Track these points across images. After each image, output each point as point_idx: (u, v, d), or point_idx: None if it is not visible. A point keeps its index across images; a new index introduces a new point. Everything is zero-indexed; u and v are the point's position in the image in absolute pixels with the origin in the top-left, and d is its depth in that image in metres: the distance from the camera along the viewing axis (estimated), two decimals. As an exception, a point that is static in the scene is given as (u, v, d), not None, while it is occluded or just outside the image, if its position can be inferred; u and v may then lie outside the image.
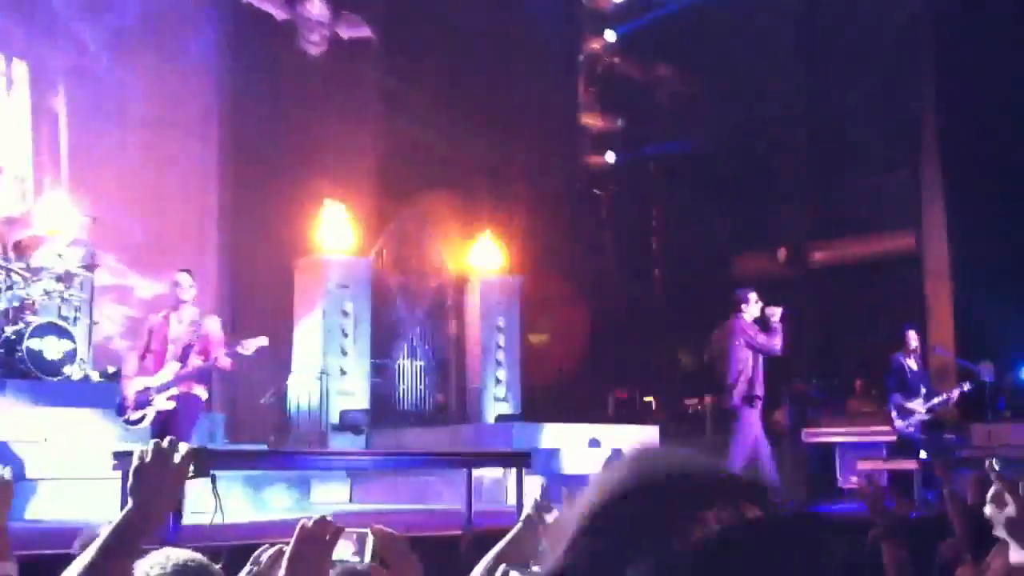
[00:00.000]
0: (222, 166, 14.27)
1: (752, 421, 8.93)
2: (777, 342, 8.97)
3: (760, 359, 9.00)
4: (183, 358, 7.98)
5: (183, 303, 8.16)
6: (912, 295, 13.61)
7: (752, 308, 9.07)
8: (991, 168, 13.09)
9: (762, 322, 9.05)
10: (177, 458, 2.25)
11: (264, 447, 10.52)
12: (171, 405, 7.91)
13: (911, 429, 9.96)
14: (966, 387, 10.35)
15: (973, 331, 12.50)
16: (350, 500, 10.99)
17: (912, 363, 10.22)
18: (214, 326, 8.19)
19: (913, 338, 10.26)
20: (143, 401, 7.87)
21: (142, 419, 7.85)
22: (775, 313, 9.01)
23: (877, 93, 14.39)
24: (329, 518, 2.35)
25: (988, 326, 12.04)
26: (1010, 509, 3.35)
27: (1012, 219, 12.72)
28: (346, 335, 12.57)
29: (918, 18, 14.28)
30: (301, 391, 12.28)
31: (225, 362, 7.94)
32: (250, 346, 7.99)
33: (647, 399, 14.57)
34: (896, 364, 10.12)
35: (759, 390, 8.94)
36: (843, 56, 15.33)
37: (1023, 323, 11.88)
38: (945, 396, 10.21)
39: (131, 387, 7.97)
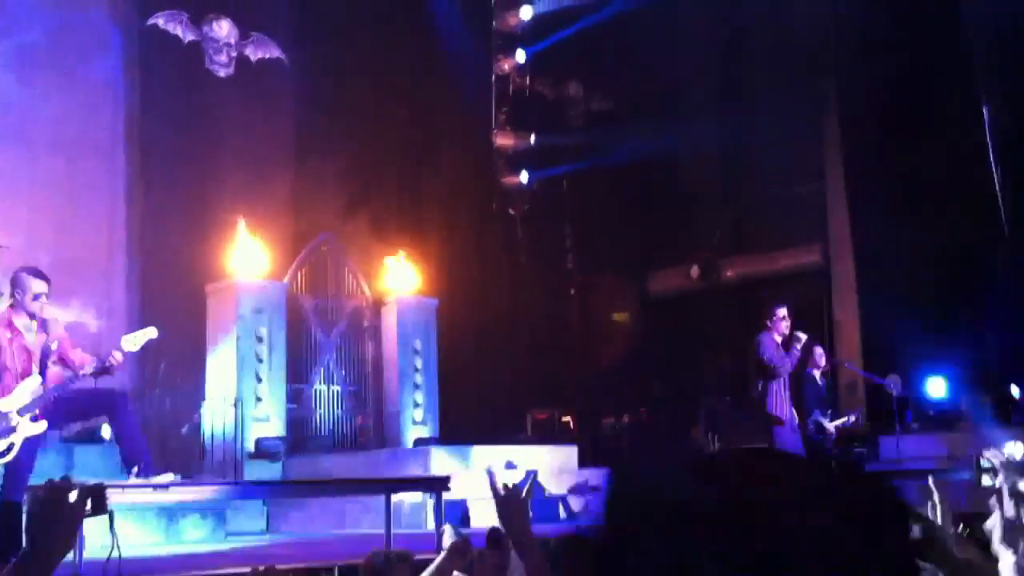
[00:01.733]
0: (131, 189, 14.02)
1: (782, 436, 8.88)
2: (785, 365, 8.87)
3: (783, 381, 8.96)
4: (42, 371, 7.00)
5: (26, 312, 6.93)
6: (821, 307, 13.89)
7: (779, 324, 9.01)
8: (896, 182, 13.44)
9: (787, 341, 9.02)
10: (73, 497, 2.21)
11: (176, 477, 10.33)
12: (41, 428, 7.23)
13: (825, 442, 10.17)
14: (852, 418, 10.72)
15: (879, 344, 12.79)
16: (267, 528, 10.85)
17: (819, 378, 10.45)
18: (61, 330, 7.18)
19: (820, 354, 10.49)
20: (3, 430, 6.81)
21: (9, 449, 6.77)
22: (799, 339, 9.00)
23: (785, 108, 14.70)
24: None
25: (894, 339, 12.33)
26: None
27: (917, 233, 13.06)
28: (261, 361, 12.41)
29: (825, 35, 14.63)
30: (215, 419, 12.09)
31: (90, 369, 6.97)
32: (133, 341, 7.16)
33: (565, 418, 14.63)
34: (810, 378, 10.31)
35: (777, 408, 8.94)
36: (752, 73, 15.64)
37: (928, 336, 12.19)
38: (846, 420, 10.50)
39: None
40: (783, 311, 9.04)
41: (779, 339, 9.00)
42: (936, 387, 12.21)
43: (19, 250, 11.93)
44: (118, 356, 7.14)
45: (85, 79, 13.65)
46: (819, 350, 10.55)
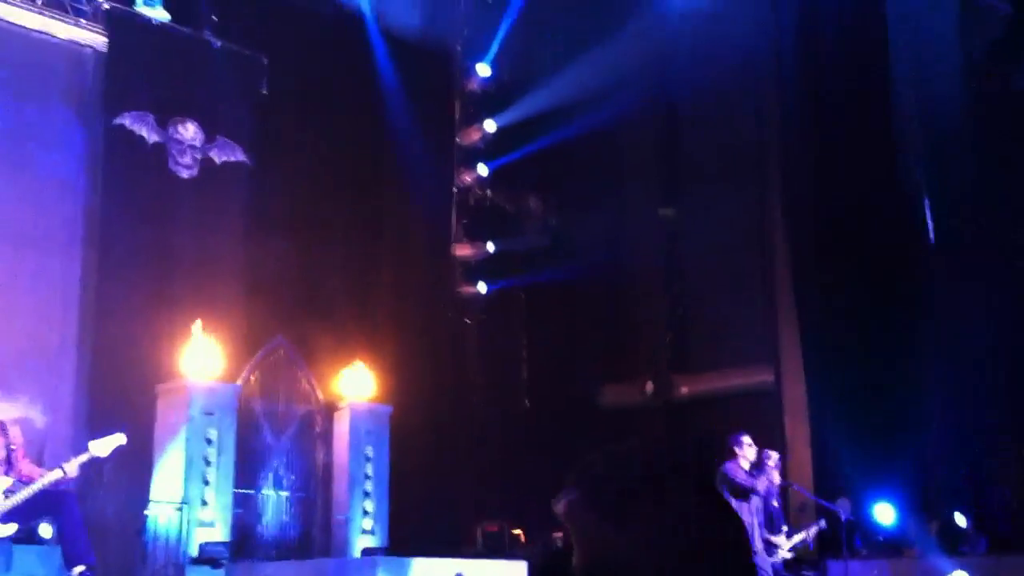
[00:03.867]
0: (85, 285, 13.93)
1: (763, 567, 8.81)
2: (760, 481, 8.91)
3: (761, 504, 8.93)
4: (8, 470, 7.22)
5: None
6: (773, 428, 14.00)
7: (747, 451, 9.06)
8: (845, 304, 13.71)
9: (758, 464, 9.03)
10: None
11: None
12: (11, 530, 7.27)
13: (777, 565, 10.15)
14: (823, 524, 10.69)
15: (830, 466, 12.90)
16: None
17: (774, 501, 10.49)
18: (17, 433, 7.46)
19: (776, 477, 10.55)
20: None
21: None
22: (770, 457, 9.00)
23: (734, 229, 15.05)
24: None
25: (845, 462, 12.45)
26: None
27: (867, 355, 13.29)
28: (209, 463, 12.23)
29: (768, 152, 15.09)
30: (159, 522, 11.85)
31: (74, 471, 7.38)
32: (101, 447, 7.50)
33: (515, 532, 14.50)
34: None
35: (764, 535, 8.83)
36: (701, 191, 16.05)
37: (878, 461, 12.32)
38: (805, 534, 10.50)
39: None
40: (748, 438, 9.11)
41: (747, 465, 9.07)
42: (884, 513, 12.29)
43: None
44: (69, 470, 7.15)
45: (44, 174, 13.65)
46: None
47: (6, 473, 7.27)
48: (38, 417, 12.27)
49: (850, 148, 13.88)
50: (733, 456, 9.12)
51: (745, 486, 8.92)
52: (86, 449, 7.48)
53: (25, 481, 7.35)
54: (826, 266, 14.07)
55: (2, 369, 12.53)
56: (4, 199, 13.15)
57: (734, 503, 8.85)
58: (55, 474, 7.28)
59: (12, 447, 7.35)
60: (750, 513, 8.94)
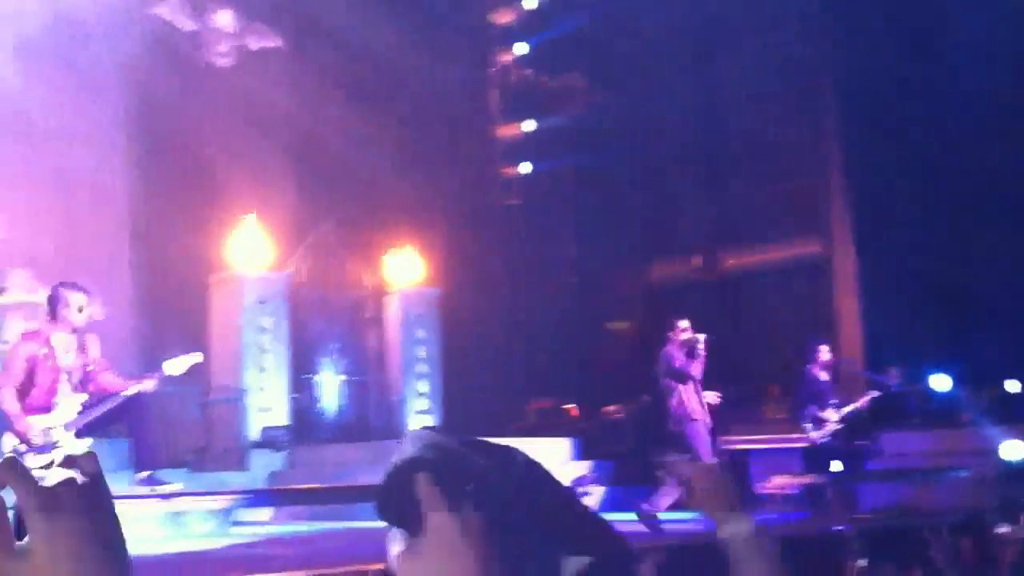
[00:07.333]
0: (132, 179, 14.01)
1: (696, 439, 9.05)
2: (694, 368, 9.12)
3: (692, 383, 9.16)
4: (84, 389, 7.26)
5: (68, 327, 7.10)
6: (822, 301, 13.97)
7: (681, 335, 9.25)
8: (897, 177, 13.51)
9: (690, 348, 9.22)
10: None
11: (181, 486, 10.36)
12: (86, 444, 7.40)
13: (826, 439, 10.25)
14: (875, 394, 10.73)
15: (880, 339, 12.87)
16: (273, 520, 10.91)
17: (823, 375, 10.52)
18: (95, 347, 7.38)
19: (825, 352, 10.56)
20: (45, 445, 6.92)
21: (49, 465, 7.24)
22: (699, 340, 9.17)
23: (785, 102, 14.75)
24: None
25: (895, 334, 12.41)
26: None
27: (918, 228, 13.14)
28: (264, 351, 12.45)
29: (822, 27, 14.69)
30: (220, 409, 12.14)
31: (149, 386, 7.51)
32: (176, 366, 7.63)
33: (566, 407, 14.71)
34: (809, 376, 10.43)
35: (694, 411, 9.07)
36: (750, 66, 15.69)
37: (928, 331, 12.27)
38: (856, 405, 10.55)
39: (32, 427, 6.92)
40: (684, 323, 9.25)
41: (684, 349, 9.20)
42: (938, 382, 12.24)
43: (21, 242, 11.94)
44: (150, 384, 7.28)
45: (86, 67, 13.58)
46: (823, 347, 10.64)
47: (83, 390, 7.37)
48: (98, 312, 12.46)
49: (908, 24, 13.50)
50: (669, 341, 9.24)
51: (682, 370, 9.10)
52: (160, 370, 7.57)
53: (102, 394, 7.46)
54: (879, 137, 13.81)
55: (59, 265, 12.69)
56: (49, 94, 13.12)
57: (672, 385, 9.03)
58: (133, 389, 7.41)
59: (89, 367, 7.44)
60: (690, 390, 9.11)
